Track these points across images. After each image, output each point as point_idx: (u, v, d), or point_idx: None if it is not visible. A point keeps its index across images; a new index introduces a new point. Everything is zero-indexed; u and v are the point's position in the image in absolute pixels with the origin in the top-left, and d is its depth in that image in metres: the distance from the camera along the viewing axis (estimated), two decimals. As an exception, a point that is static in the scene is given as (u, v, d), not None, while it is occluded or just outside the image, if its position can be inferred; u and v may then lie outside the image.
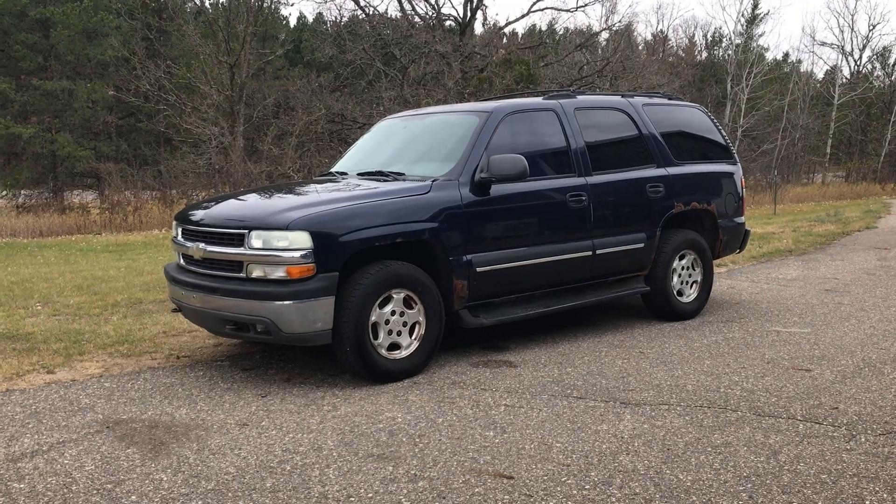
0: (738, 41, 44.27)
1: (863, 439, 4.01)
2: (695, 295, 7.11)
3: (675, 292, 6.91)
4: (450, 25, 29.79)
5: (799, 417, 4.35)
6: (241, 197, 5.91)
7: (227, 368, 5.53)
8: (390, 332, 5.13)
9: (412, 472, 3.66)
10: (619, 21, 37.28)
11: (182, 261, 5.62)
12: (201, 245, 5.24)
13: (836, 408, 4.50)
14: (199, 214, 5.52)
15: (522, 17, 40.11)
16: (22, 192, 28.48)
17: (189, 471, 3.70)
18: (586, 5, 36.33)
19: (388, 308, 5.10)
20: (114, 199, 21.85)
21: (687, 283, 7.05)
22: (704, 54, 52.28)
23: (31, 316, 7.35)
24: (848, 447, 3.91)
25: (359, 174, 6.21)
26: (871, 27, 54.13)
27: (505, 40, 32.04)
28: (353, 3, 28.23)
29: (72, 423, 4.38)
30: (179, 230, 5.68)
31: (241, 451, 3.94)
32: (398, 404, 4.65)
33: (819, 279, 9.27)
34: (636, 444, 3.97)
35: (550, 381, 5.09)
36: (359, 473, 3.65)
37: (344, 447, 3.98)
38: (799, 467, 3.66)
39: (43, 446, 4.03)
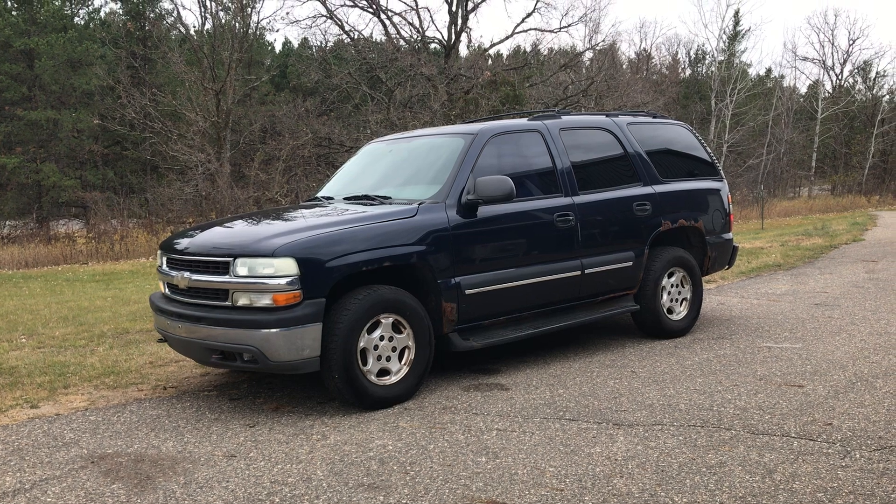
0: (721, 58, 44.69)
1: (857, 455, 3.98)
2: (685, 312, 7.08)
3: (664, 310, 6.88)
4: (435, 48, 29.97)
5: (793, 434, 4.31)
6: (226, 224, 5.85)
7: (214, 398, 5.45)
8: (379, 358, 5.07)
9: (403, 501, 3.60)
10: (603, 41, 37.42)
11: (167, 290, 5.56)
12: (186, 274, 5.18)
13: (830, 424, 4.47)
14: (183, 243, 5.47)
15: (507, 38, 40.42)
16: (6, 222, 28.27)
17: (175, 505, 3.63)
18: (569, 26, 36.80)
19: (377, 333, 5.04)
20: (100, 228, 21.72)
21: (676, 300, 7.03)
22: (688, 71, 52.72)
23: (16, 349, 7.25)
24: (843, 464, 3.87)
25: (345, 199, 6.18)
26: (851, 42, 54.93)
27: (490, 62, 32.26)
28: (338, 27, 28.32)
29: (55, 459, 4.29)
30: (164, 259, 5.62)
31: (228, 484, 3.86)
32: (388, 431, 4.59)
33: (808, 293, 9.27)
34: (630, 467, 3.92)
35: (542, 404, 5.04)
36: (349, 504, 3.58)
37: (334, 477, 3.91)
38: (795, 486, 3.62)
39: (25, 484, 3.94)
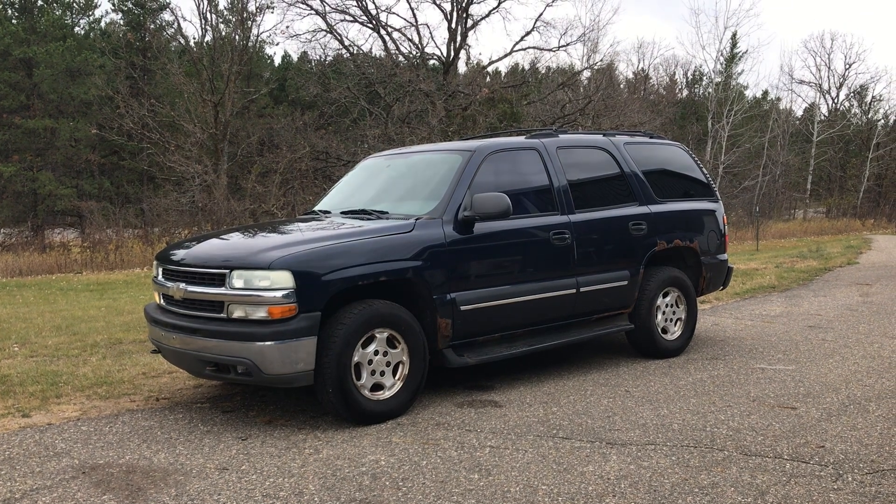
0: (718, 79, 44.92)
1: (850, 478, 3.98)
2: (679, 332, 7.09)
3: (659, 330, 6.89)
4: (433, 64, 30.08)
5: (786, 456, 4.31)
6: (222, 236, 5.85)
7: (207, 410, 5.43)
8: (373, 373, 5.07)
9: (395, 517, 3.59)
10: (601, 60, 37.59)
11: (162, 301, 5.55)
12: (182, 285, 5.18)
13: (823, 446, 4.48)
14: (179, 254, 5.47)
15: (505, 56, 40.51)
16: (1, 230, 28.23)
17: (166, 518, 3.61)
18: (568, 45, 36.69)
19: (371, 348, 5.04)
20: (95, 238, 21.67)
21: (671, 320, 7.04)
22: (685, 92, 52.95)
23: (8, 357, 7.22)
24: (835, 487, 3.88)
25: (342, 213, 6.19)
26: (847, 66, 54.92)
27: (488, 79, 32.38)
28: (337, 42, 28.44)
29: (46, 469, 4.27)
30: (160, 270, 5.62)
31: (220, 497, 3.85)
32: (381, 446, 4.58)
33: (802, 315, 9.29)
34: (622, 486, 3.92)
35: (536, 422, 5.03)
36: (341, 519, 3.57)
37: (325, 492, 3.90)
38: (787, 508, 3.62)
39: (16, 494, 3.92)
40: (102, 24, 40.07)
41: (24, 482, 4.08)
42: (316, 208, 6.68)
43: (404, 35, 28.69)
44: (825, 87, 52.36)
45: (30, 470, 4.26)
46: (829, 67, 56.09)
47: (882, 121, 52.04)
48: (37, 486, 4.02)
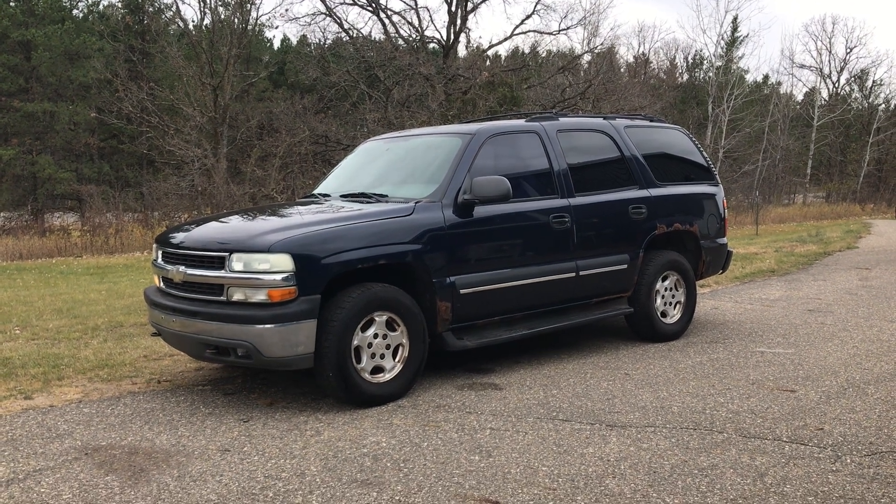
0: (719, 63, 44.78)
1: (848, 460, 4.00)
2: (678, 316, 7.10)
3: (658, 313, 6.91)
4: (433, 48, 29.96)
5: (785, 439, 4.34)
6: (222, 219, 5.86)
7: (208, 393, 5.45)
8: (373, 356, 5.08)
9: (396, 497, 3.61)
10: (601, 44, 37.44)
11: (162, 284, 5.56)
12: (181, 268, 5.18)
13: (822, 429, 4.50)
14: (179, 237, 5.47)
15: (505, 39, 40.31)
16: (1, 214, 28.22)
17: (169, 498, 3.63)
18: (568, 28, 36.63)
19: (371, 331, 5.05)
20: (95, 222, 21.68)
21: (670, 304, 7.05)
22: (686, 76, 52.78)
23: (9, 340, 7.24)
24: (834, 468, 3.90)
25: (342, 196, 6.18)
26: (849, 50, 54.67)
27: (488, 63, 32.27)
28: (337, 25, 28.28)
29: (49, 451, 4.29)
30: (160, 253, 5.62)
31: (222, 478, 3.87)
32: (382, 428, 4.60)
33: (802, 299, 9.31)
34: (622, 467, 3.94)
35: (536, 404, 5.06)
36: (342, 500, 3.59)
37: (327, 473, 3.92)
38: (785, 489, 3.64)
39: (19, 474, 3.95)
40: (101, 6, 39.89)
41: (28, 463, 4.10)
42: (315, 192, 6.68)
43: (404, 18, 28.55)
44: (826, 71, 52.25)
45: (32, 451, 4.29)
46: (830, 51, 55.96)
47: (883, 105, 52.04)
48: (40, 467, 4.04)
